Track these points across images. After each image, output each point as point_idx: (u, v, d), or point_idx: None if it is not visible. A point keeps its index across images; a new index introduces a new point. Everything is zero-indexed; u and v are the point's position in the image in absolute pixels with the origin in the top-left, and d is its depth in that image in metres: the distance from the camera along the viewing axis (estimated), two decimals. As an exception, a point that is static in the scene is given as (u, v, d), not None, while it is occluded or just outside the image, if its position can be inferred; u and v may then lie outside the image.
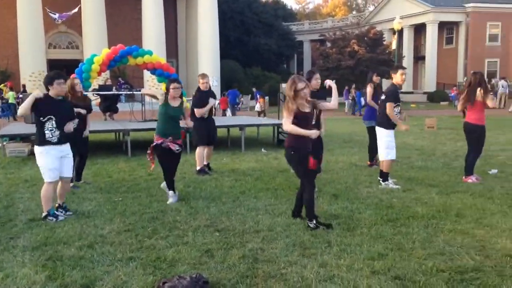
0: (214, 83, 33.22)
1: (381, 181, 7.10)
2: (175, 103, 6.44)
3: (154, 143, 6.32)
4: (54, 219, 5.44)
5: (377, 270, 3.91)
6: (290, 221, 5.29)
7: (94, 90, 15.06)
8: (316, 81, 6.66)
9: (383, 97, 7.18)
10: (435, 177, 7.72)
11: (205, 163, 8.49)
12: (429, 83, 40.95)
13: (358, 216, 5.49)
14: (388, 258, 4.15)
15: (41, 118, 5.42)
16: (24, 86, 28.42)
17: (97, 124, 12.96)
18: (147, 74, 25.89)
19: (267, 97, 27.28)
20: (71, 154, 5.74)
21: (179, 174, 7.68)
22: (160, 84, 17.25)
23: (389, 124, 7.01)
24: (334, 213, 5.63)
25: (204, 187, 7.18)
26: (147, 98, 16.04)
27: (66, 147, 5.65)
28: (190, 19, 37.81)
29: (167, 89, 6.42)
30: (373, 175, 7.88)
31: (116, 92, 15.52)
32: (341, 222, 5.25)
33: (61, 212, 5.67)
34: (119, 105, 16.09)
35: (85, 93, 13.82)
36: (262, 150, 11.10)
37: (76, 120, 5.86)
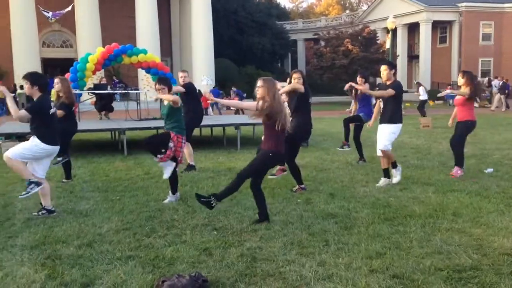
0: (209, 82, 33.22)
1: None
2: (165, 102, 6.50)
3: None
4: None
5: (375, 268, 3.93)
6: (287, 220, 5.32)
7: (89, 89, 15.01)
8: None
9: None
10: (431, 175, 7.76)
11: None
12: (424, 82, 40.97)
13: (355, 215, 5.52)
14: (386, 257, 4.18)
15: None
16: (15, 85, 28.26)
17: (93, 123, 12.94)
18: (141, 73, 25.82)
19: (245, 94, 27.50)
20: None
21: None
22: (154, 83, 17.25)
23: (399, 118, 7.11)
24: (331, 212, 5.65)
25: (201, 186, 7.18)
26: (142, 97, 16.06)
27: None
28: (184, 18, 37.74)
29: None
30: (369, 174, 7.92)
31: (112, 91, 15.47)
32: (338, 221, 5.28)
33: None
34: (114, 104, 16.04)
35: (80, 92, 13.85)
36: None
37: None
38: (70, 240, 4.72)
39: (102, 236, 4.85)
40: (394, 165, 7.25)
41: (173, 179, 6.28)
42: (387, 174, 7.21)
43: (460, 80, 7.51)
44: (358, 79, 9.12)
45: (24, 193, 5.54)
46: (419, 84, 23.28)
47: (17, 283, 3.71)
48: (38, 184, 5.52)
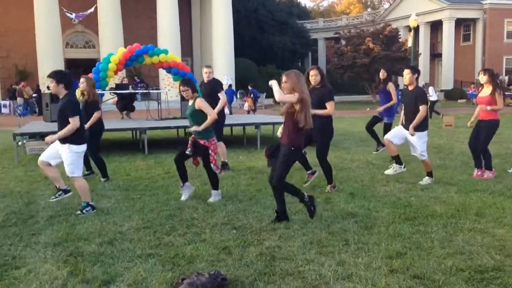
0: (229, 82, 33.34)
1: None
2: (189, 103, 6.46)
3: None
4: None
5: (396, 268, 3.89)
6: (307, 219, 5.30)
7: (111, 89, 15.20)
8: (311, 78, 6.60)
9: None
10: (453, 175, 7.65)
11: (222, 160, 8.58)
12: (446, 80, 40.57)
13: (375, 214, 5.47)
14: (406, 257, 4.13)
15: None
16: (38, 85, 28.80)
17: (114, 123, 13.09)
18: (162, 72, 26.06)
19: (263, 94, 27.55)
20: (64, 153, 5.73)
21: (195, 172, 7.74)
22: (175, 83, 17.36)
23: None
24: (351, 211, 5.61)
25: (221, 185, 7.18)
26: (163, 97, 16.19)
27: (61, 145, 5.73)
28: (204, 18, 37.94)
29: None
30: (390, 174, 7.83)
31: (133, 91, 15.63)
32: (358, 220, 5.24)
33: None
34: (135, 104, 16.21)
35: (102, 92, 14.03)
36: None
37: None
38: (91, 237, 4.79)
39: (123, 234, 4.91)
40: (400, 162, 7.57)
41: (214, 177, 6.34)
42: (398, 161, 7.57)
43: (483, 78, 7.39)
44: (381, 73, 9.21)
45: (78, 212, 5.77)
46: (428, 85, 23.03)
47: (40, 280, 3.78)
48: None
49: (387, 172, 7.75)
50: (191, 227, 5.10)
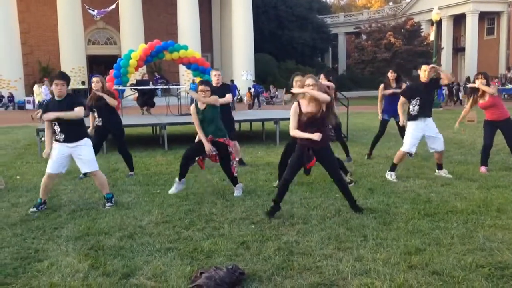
0: (248, 77, 33.36)
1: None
2: (202, 105, 6.35)
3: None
4: (32, 208, 5.74)
5: (414, 264, 3.87)
6: (325, 214, 5.29)
7: (132, 84, 15.36)
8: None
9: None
10: (475, 171, 7.54)
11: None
12: (470, 75, 39.83)
13: (394, 210, 5.43)
14: (425, 253, 4.10)
15: (52, 123, 5.75)
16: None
17: (135, 118, 13.24)
18: (182, 68, 26.20)
19: (283, 90, 27.63)
20: (85, 150, 5.79)
21: (214, 168, 7.77)
22: (195, 78, 17.45)
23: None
24: (370, 207, 5.59)
25: (240, 180, 7.22)
26: (183, 93, 16.29)
27: (75, 145, 5.73)
28: (224, 14, 38.00)
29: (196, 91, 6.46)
30: (410, 169, 7.77)
31: (153, 87, 15.77)
32: (377, 216, 5.21)
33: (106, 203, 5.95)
34: (155, 100, 16.35)
35: (122, 88, 14.17)
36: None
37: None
38: (112, 231, 4.87)
39: (142, 228, 4.97)
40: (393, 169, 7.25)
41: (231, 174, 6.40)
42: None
43: (483, 82, 7.48)
44: (390, 74, 8.89)
45: (109, 204, 5.89)
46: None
47: (62, 272, 3.86)
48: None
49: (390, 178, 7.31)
50: (210, 222, 5.14)
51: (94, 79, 7.69)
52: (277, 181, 6.74)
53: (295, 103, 5.32)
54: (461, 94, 28.19)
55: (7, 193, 6.69)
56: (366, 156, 9.10)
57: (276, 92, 32.31)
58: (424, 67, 7.07)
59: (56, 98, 5.73)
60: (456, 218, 5.05)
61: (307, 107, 5.23)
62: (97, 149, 7.25)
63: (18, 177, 7.91)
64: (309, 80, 5.22)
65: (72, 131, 5.72)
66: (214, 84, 8.24)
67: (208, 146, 6.19)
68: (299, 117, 5.27)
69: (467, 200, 5.78)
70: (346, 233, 4.68)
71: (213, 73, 8.39)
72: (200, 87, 6.31)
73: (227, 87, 8.51)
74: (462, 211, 5.32)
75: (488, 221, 4.92)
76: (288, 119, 12.38)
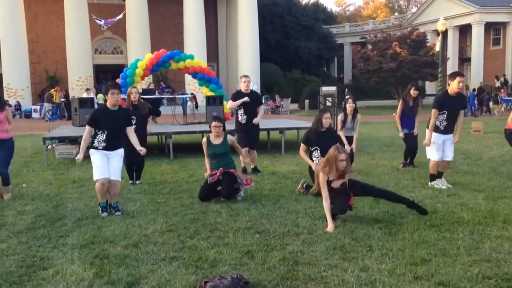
0: (254, 87, 33.42)
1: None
2: (216, 141, 6.57)
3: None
4: (105, 213, 5.86)
5: (420, 275, 3.84)
6: (330, 225, 5.27)
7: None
8: (325, 120, 6.87)
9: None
10: (481, 182, 7.50)
11: (252, 166, 8.79)
12: (476, 85, 39.76)
13: (400, 220, 5.41)
14: (431, 264, 4.08)
15: (96, 130, 5.87)
16: (67, 91, 29.45)
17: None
18: (188, 78, 26.31)
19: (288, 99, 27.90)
20: (117, 158, 5.96)
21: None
22: (201, 88, 17.51)
23: (437, 129, 7.12)
24: (375, 217, 5.57)
25: (245, 189, 7.22)
26: (188, 103, 16.35)
27: (114, 152, 5.92)
28: (230, 23, 38.18)
29: (209, 126, 6.67)
30: (415, 179, 7.75)
31: (159, 96, 15.84)
32: (382, 226, 5.19)
33: (111, 211, 5.97)
34: (161, 109, 16.39)
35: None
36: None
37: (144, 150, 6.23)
38: (117, 240, 4.87)
39: (147, 237, 4.97)
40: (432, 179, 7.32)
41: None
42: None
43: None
44: (413, 91, 8.72)
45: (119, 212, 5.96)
46: (347, 93, 23.73)
47: (67, 281, 3.86)
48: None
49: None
50: (215, 231, 5.14)
51: (133, 90, 7.95)
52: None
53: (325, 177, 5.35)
54: (490, 103, 28.21)
55: (13, 201, 6.73)
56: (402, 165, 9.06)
57: (282, 102, 32.37)
58: (459, 78, 6.87)
59: (111, 107, 5.94)
60: (462, 229, 5.02)
61: (335, 182, 5.37)
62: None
63: (24, 185, 7.95)
64: (342, 156, 5.25)
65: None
66: (243, 91, 8.56)
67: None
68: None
69: (473, 211, 5.75)
70: (351, 243, 4.66)
71: (243, 79, 8.60)
72: (214, 124, 6.48)
73: (258, 95, 8.80)
74: (468, 221, 5.29)
75: (494, 232, 4.89)
76: (293, 128, 12.40)
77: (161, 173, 8.91)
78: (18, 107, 29.50)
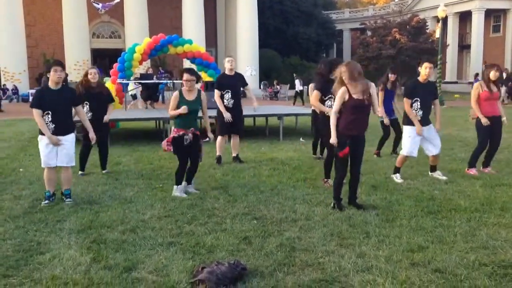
0: (252, 73, 33.28)
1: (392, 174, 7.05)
2: (189, 96, 6.02)
3: (172, 136, 6.01)
4: (46, 202, 5.68)
5: (417, 262, 3.86)
6: (327, 211, 5.28)
7: (135, 78, 15.36)
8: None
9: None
10: (478, 169, 7.50)
11: (233, 154, 8.39)
12: (475, 72, 39.69)
13: (397, 207, 5.41)
14: (428, 251, 4.09)
15: (42, 112, 5.58)
16: (66, 74, 29.24)
17: (138, 113, 13.25)
18: (186, 63, 26.16)
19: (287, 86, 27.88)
20: (68, 145, 5.70)
21: (216, 163, 7.76)
22: (199, 73, 17.44)
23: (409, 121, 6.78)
24: (372, 203, 5.57)
25: (242, 175, 7.23)
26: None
27: (64, 138, 5.67)
28: (229, 9, 37.90)
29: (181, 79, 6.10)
30: (414, 167, 7.75)
31: (157, 81, 15.77)
32: (379, 213, 5.20)
33: (63, 198, 5.84)
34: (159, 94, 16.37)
35: (127, 81, 14.15)
36: (301, 139, 11.06)
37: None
38: (114, 225, 4.87)
39: (145, 222, 4.97)
40: (396, 171, 7.03)
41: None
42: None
43: (496, 75, 7.18)
44: (391, 76, 8.77)
45: (70, 199, 5.83)
46: (296, 77, 23.68)
47: (64, 265, 3.86)
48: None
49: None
50: (212, 217, 5.13)
51: (93, 70, 7.52)
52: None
53: (344, 88, 5.28)
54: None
55: (10, 186, 6.71)
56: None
57: (280, 88, 32.25)
58: (426, 64, 6.73)
59: (53, 87, 5.61)
60: (459, 216, 5.03)
61: (356, 94, 5.27)
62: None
63: (21, 169, 7.93)
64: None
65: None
66: (227, 72, 8.16)
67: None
68: (346, 101, 5.27)
69: (471, 198, 5.76)
70: (348, 229, 4.67)
71: (227, 59, 8.19)
72: (185, 76, 5.91)
73: (243, 77, 8.47)
74: (466, 209, 5.30)
75: (491, 219, 4.90)
76: (291, 115, 12.39)
77: (159, 158, 8.89)
78: (15, 91, 29.34)
